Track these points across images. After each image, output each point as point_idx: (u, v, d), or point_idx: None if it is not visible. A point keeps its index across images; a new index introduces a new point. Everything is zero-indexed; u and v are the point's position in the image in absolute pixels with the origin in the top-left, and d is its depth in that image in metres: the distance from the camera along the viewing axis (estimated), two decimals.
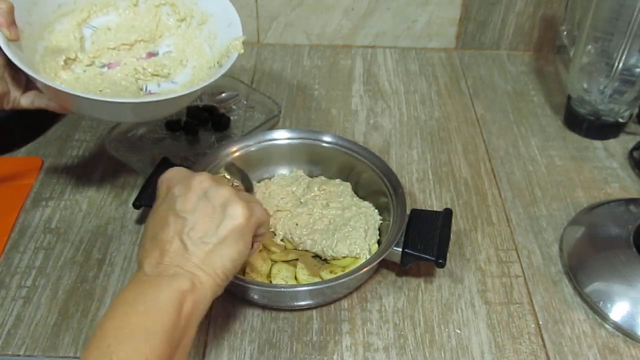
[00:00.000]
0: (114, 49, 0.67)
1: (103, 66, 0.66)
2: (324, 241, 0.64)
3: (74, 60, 0.64)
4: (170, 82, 0.68)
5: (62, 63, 0.62)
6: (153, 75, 0.67)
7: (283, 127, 0.84)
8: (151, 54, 0.69)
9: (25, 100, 0.60)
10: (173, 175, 0.52)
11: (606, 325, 0.61)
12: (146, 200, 0.67)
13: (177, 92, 0.60)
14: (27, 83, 0.59)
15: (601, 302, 0.61)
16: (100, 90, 0.63)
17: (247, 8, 0.98)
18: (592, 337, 0.60)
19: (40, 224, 0.70)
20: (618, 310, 0.61)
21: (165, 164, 0.71)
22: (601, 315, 0.61)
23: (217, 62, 0.65)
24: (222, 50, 0.65)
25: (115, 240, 0.68)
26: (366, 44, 1.03)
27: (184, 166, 0.71)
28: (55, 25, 0.64)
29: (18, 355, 0.57)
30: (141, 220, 0.70)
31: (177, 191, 0.49)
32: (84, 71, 0.65)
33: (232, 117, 0.84)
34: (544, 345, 0.59)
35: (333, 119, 0.88)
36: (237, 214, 0.48)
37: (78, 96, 0.55)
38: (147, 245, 0.48)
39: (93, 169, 0.77)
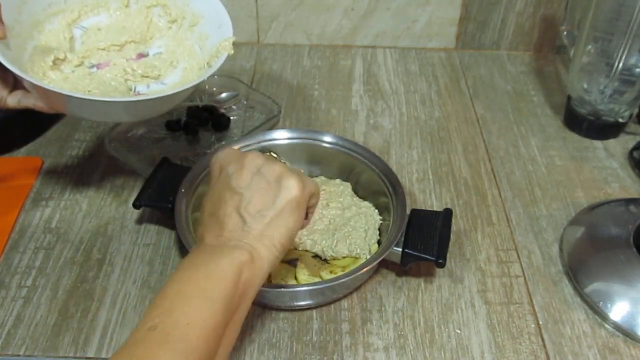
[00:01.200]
0: (103, 49, 0.67)
1: (92, 66, 0.66)
2: (324, 241, 0.64)
3: (63, 60, 0.64)
4: (160, 83, 0.67)
5: (51, 63, 0.62)
6: (143, 76, 0.67)
7: (283, 127, 0.84)
8: (141, 55, 0.69)
9: (12, 100, 0.60)
10: (225, 155, 0.53)
11: (606, 325, 0.61)
12: (146, 200, 0.67)
13: (164, 92, 0.60)
14: (14, 82, 0.59)
15: (601, 302, 0.61)
16: (89, 91, 0.63)
17: (247, 8, 0.98)
18: (592, 337, 0.60)
19: (40, 224, 0.70)
20: (618, 310, 0.61)
21: (165, 164, 0.71)
22: (601, 315, 0.61)
23: (207, 63, 0.65)
24: (212, 51, 0.65)
25: (115, 240, 0.68)
26: (366, 44, 1.03)
27: (184, 166, 0.71)
28: (45, 24, 0.64)
29: (18, 355, 0.57)
30: (141, 220, 0.70)
31: (231, 169, 0.51)
32: (73, 71, 0.64)
33: (232, 117, 0.84)
34: (544, 345, 0.59)
35: (333, 119, 0.88)
36: (292, 186, 0.50)
37: (65, 95, 0.54)
38: (206, 222, 0.51)
39: (93, 169, 0.77)
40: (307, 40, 1.03)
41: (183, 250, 0.66)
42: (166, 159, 0.72)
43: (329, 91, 0.93)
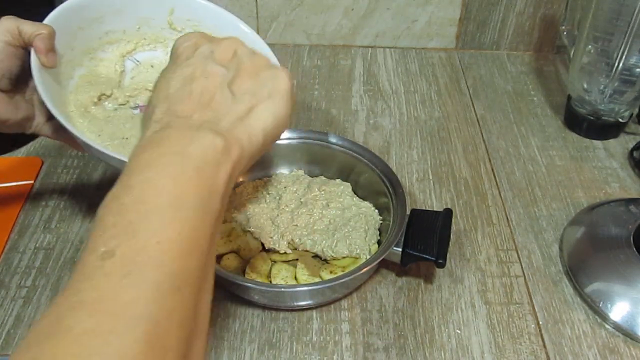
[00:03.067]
0: (151, 91, 0.65)
1: (136, 107, 0.63)
2: (324, 241, 0.64)
3: (109, 96, 0.61)
4: None
5: (96, 99, 0.60)
6: None
7: None
8: None
9: (48, 129, 0.59)
10: (198, 35, 0.44)
11: (606, 326, 0.61)
12: None
13: None
14: None
15: (601, 302, 0.61)
16: (126, 138, 0.60)
17: (247, 8, 0.98)
18: (592, 337, 0.60)
19: (40, 224, 0.70)
20: (618, 310, 0.61)
21: None
22: (601, 316, 0.61)
23: None
24: None
25: None
26: (366, 44, 1.03)
27: None
28: (98, 52, 0.62)
29: None
30: None
31: (209, 47, 0.43)
32: (116, 109, 0.61)
33: None
34: (544, 346, 0.59)
35: (333, 119, 0.88)
36: (284, 74, 0.42)
37: (97, 149, 0.53)
38: (169, 100, 0.40)
39: (93, 169, 0.77)
40: (307, 40, 1.03)
41: None
42: None
43: (329, 91, 0.93)
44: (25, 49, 0.54)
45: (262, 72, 0.42)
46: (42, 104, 0.55)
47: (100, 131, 0.59)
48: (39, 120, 0.58)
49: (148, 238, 0.31)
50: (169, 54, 0.61)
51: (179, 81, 0.41)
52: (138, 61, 0.65)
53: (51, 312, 0.29)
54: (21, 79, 0.56)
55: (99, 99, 0.61)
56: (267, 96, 0.41)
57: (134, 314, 0.29)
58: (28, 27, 0.53)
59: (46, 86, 0.53)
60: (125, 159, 0.53)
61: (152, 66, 0.65)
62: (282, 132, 0.43)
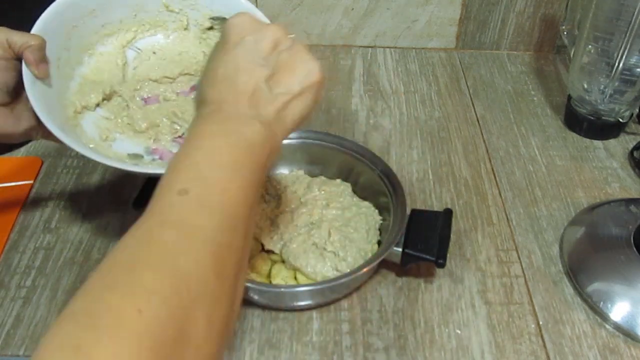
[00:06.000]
0: (155, 80, 0.63)
1: (142, 99, 0.62)
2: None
3: (115, 92, 0.61)
4: None
5: (100, 99, 0.59)
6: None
7: None
8: (194, 89, 0.64)
9: (53, 136, 0.57)
10: (245, 22, 0.48)
11: (606, 326, 0.61)
12: (146, 200, 0.67)
13: None
14: None
15: (601, 303, 0.61)
16: (143, 132, 0.60)
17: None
18: (592, 338, 0.60)
19: (40, 224, 0.70)
20: (618, 311, 0.61)
21: None
22: (601, 316, 0.61)
23: None
24: None
25: (115, 240, 0.68)
26: (366, 44, 1.03)
27: None
28: (97, 46, 0.61)
29: (17, 356, 0.57)
30: None
31: (252, 38, 0.47)
32: (125, 106, 0.61)
33: None
34: (544, 346, 0.59)
35: (333, 119, 0.88)
36: (316, 69, 0.47)
37: (92, 159, 0.52)
38: (218, 85, 0.46)
39: (93, 169, 0.77)
40: (307, 40, 1.03)
41: None
42: None
43: (329, 91, 0.93)
44: (18, 59, 0.53)
45: (297, 68, 0.46)
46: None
47: (109, 131, 0.59)
48: (44, 128, 0.57)
49: (215, 185, 0.39)
50: (170, 38, 0.63)
51: (226, 69, 0.46)
52: (139, 49, 0.64)
53: (140, 225, 0.37)
54: (20, 89, 0.55)
55: (103, 100, 0.60)
56: (299, 92, 0.46)
57: (205, 237, 0.36)
58: (17, 38, 0.52)
59: (40, 96, 0.52)
60: (119, 165, 0.53)
61: (154, 53, 0.64)
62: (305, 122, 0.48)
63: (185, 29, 0.65)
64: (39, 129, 0.56)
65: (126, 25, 0.63)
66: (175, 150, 0.60)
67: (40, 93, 0.53)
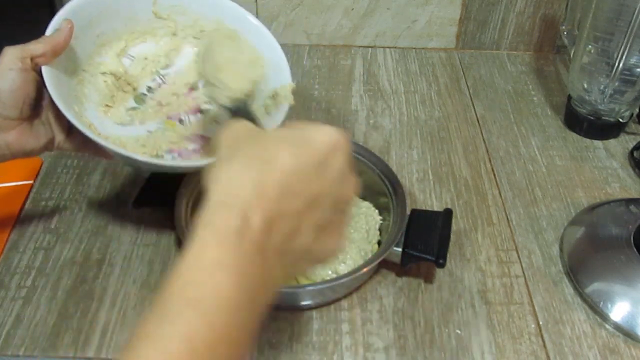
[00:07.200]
0: (154, 73, 0.65)
1: (145, 94, 0.64)
2: None
3: (122, 97, 0.62)
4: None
5: (105, 106, 0.61)
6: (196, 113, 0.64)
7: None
8: (192, 89, 0.65)
9: (70, 145, 0.59)
10: (343, 152, 0.39)
11: (607, 326, 0.61)
12: (146, 200, 0.67)
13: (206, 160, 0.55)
14: (70, 126, 0.58)
15: (601, 303, 0.61)
16: (150, 132, 0.62)
17: (247, 8, 0.98)
18: (592, 338, 0.60)
19: (40, 224, 0.70)
20: (618, 311, 0.61)
21: None
22: (602, 316, 0.61)
23: (264, 106, 0.62)
24: (268, 94, 0.62)
25: (115, 240, 0.68)
26: (366, 44, 1.03)
27: None
28: (95, 57, 0.62)
29: (17, 356, 0.57)
30: (141, 220, 0.70)
31: (331, 198, 0.39)
32: (133, 107, 0.62)
33: None
34: (544, 346, 0.59)
35: (333, 119, 0.88)
36: (338, 246, 0.41)
37: (120, 154, 0.54)
38: (267, 211, 0.36)
39: (93, 169, 0.77)
40: (307, 40, 1.03)
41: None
42: None
43: (329, 91, 0.93)
44: (36, 70, 0.54)
45: (340, 228, 0.41)
46: (58, 119, 0.57)
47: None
48: (59, 138, 0.59)
49: None
50: (158, 44, 0.65)
51: (286, 201, 0.37)
52: (132, 56, 0.65)
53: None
54: (37, 102, 0.56)
55: (107, 106, 0.61)
56: (314, 262, 0.42)
57: None
58: (32, 46, 0.53)
59: (63, 97, 0.54)
60: (140, 158, 0.54)
61: (145, 58, 0.65)
62: None
63: (174, 34, 0.66)
64: (54, 141, 0.58)
65: (118, 33, 0.64)
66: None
67: (62, 95, 0.54)
